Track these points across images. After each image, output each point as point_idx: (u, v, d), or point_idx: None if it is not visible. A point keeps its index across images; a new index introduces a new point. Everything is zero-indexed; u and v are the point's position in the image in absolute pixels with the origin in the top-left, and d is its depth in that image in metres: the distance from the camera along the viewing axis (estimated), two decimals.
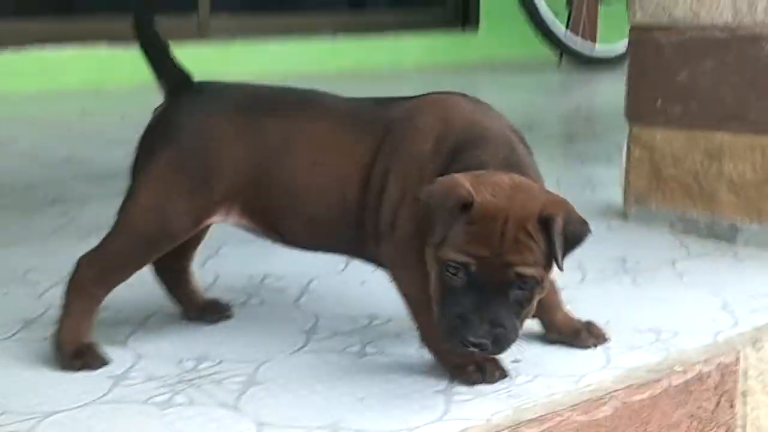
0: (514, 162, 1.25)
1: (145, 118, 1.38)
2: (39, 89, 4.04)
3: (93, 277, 1.30)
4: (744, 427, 1.44)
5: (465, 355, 1.25)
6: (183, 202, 1.29)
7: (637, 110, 2.01)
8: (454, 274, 1.16)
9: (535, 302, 1.20)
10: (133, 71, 4.20)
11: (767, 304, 1.58)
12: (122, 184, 1.35)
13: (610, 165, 2.52)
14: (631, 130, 2.04)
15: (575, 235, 1.19)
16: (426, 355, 1.33)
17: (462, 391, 1.25)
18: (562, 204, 1.20)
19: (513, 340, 1.18)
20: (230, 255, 1.81)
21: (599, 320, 1.45)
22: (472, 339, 1.14)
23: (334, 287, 1.65)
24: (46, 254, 1.80)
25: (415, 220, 1.24)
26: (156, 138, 1.32)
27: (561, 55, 5.36)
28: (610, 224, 2.05)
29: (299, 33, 5.02)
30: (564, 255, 1.18)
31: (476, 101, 1.34)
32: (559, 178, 2.54)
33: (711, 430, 1.39)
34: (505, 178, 1.19)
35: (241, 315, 1.51)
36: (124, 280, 1.33)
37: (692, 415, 1.36)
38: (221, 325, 1.47)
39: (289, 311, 1.54)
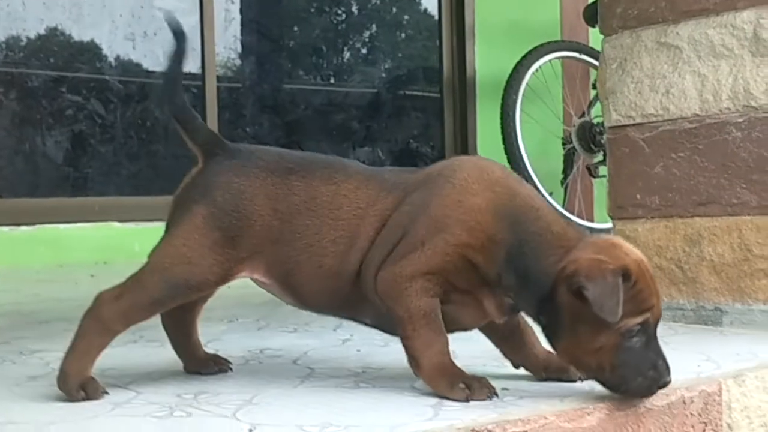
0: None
1: None
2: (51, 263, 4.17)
3: (117, 315, 1.36)
4: None
5: (455, 373, 1.32)
6: (214, 255, 1.37)
7: (619, 206, 2.11)
8: (635, 337, 1.28)
9: None
10: (141, 246, 4.38)
11: (750, 359, 1.63)
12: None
13: None
14: (614, 226, 2.13)
15: None
16: (418, 386, 1.38)
17: (451, 404, 1.30)
18: None
19: None
20: (230, 335, 1.87)
21: None
22: (667, 380, 1.30)
23: (330, 352, 1.71)
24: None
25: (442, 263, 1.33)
26: (192, 194, 1.40)
27: None
28: None
29: None
30: None
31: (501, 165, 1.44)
32: None
33: None
34: (601, 241, 1.33)
35: (240, 370, 1.56)
36: (144, 320, 1.39)
37: None
38: (221, 375, 1.52)
39: (287, 367, 1.59)
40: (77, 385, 1.35)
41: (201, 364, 1.53)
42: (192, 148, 1.45)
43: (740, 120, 1.91)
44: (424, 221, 1.36)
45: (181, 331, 1.53)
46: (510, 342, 1.48)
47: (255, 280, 1.43)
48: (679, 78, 2.00)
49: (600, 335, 1.27)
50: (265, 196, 1.40)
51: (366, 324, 1.47)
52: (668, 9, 2.02)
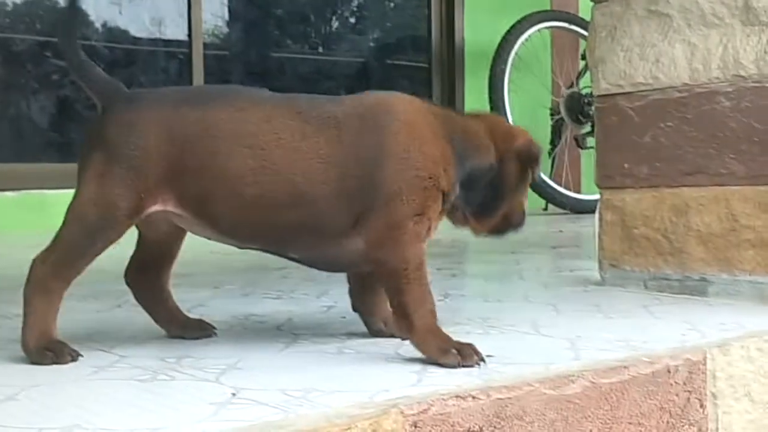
0: None
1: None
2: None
3: (49, 272, 1.37)
4: (717, 431, 1.47)
5: (445, 338, 1.34)
6: (120, 189, 1.36)
7: (606, 175, 2.11)
8: None
9: None
10: None
11: (735, 328, 1.63)
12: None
13: (590, 261, 2.60)
14: (601, 196, 2.13)
15: None
16: (402, 351, 1.38)
17: (435, 369, 1.29)
18: None
19: None
20: (215, 301, 1.86)
21: (569, 337, 1.52)
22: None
23: (314, 319, 1.71)
24: None
25: (423, 200, 1.39)
26: (91, 142, 1.41)
27: (546, 203, 5.50)
28: (586, 288, 2.12)
29: None
30: None
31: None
32: (540, 267, 2.62)
33: (683, 427, 1.42)
34: (503, 122, 1.64)
35: (224, 335, 1.55)
36: (79, 271, 1.39)
37: (662, 408, 1.39)
38: (205, 339, 1.52)
39: (271, 333, 1.58)
40: (42, 348, 1.34)
41: (183, 329, 1.53)
42: (92, 97, 1.46)
43: (729, 89, 1.90)
44: (390, 164, 1.38)
45: (154, 299, 1.52)
46: (369, 288, 1.52)
47: (171, 215, 1.42)
48: (669, 47, 1.98)
49: (523, 193, 1.55)
50: (157, 126, 1.39)
51: (291, 259, 1.47)
52: None
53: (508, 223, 1.55)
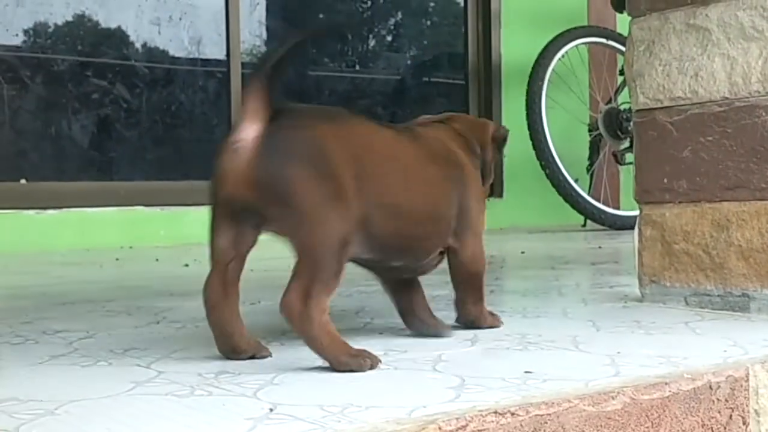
0: None
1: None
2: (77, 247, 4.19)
3: (319, 302, 1.35)
4: None
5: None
6: (339, 205, 1.36)
7: (646, 190, 2.09)
8: None
9: None
10: (166, 230, 4.42)
11: None
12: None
13: (630, 277, 2.58)
14: (641, 211, 2.11)
15: None
16: (441, 367, 1.37)
17: (473, 385, 1.28)
18: None
19: None
20: (253, 317, 1.87)
21: (609, 353, 1.50)
22: None
23: (352, 334, 1.70)
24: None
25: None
26: (284, 160, 1.34)
27: (585, 219, 5.47)
28: (626, 304, 2.10)
29: None
30: None
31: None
32: (579, 283, 2.60)
33: None
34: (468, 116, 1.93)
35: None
36: (334, 289, 1.37)
37: (704, 425, 1.37)
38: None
39: (308, 349, 1.58)
40: (353, 356, 1.37)
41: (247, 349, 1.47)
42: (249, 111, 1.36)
43: None
44: (472, 187, 1.66)
45: (233, 315, 1.46)
46: (415, 292, 1.68)
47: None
48: (708, 60, 1.97)
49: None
50: (338, 143, 1.40)
51: (392, 267, 1.58)
52: None
53: (491, 192, 1.87)
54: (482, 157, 1.75)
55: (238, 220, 1.40)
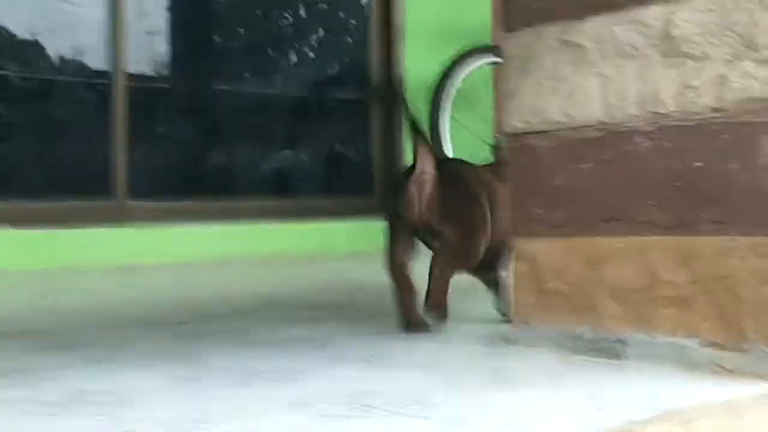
0: None
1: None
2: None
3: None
4: None
5: None
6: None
7: (518, 221, 1.90)
8: None
9: None
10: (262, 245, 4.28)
11: (649, 405, 1.41)
12: None
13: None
14: (515, 246, 1.91)
15: None
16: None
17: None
18: None
19: None
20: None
21: (451, 420, 1.29)
22: None
23: None
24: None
25: None
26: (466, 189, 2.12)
27: None
28: (492, 349, 1.89)
29: (223, 217, 4.96)
30: None
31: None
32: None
33: None
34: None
35: None
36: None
37: None
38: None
39: None
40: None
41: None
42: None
43: (649, 128, 1.70)
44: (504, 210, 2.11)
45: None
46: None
47: None
48: (582, 79, 1.78)
49: None
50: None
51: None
52: (574, 3, 1.81)
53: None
54: None
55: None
